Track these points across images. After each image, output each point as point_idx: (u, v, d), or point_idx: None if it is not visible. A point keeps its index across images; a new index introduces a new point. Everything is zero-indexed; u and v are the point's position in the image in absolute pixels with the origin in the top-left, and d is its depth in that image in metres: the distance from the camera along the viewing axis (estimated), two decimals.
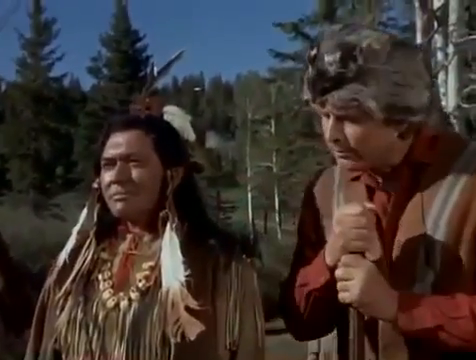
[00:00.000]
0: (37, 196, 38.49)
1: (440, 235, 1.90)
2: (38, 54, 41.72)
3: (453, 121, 11.10)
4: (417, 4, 10.76)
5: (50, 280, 2.16)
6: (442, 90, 11.50)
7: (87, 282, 2.08)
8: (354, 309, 1.91)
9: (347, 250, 1.89)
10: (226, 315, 2.00)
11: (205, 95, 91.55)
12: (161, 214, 2.03)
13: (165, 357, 1.94)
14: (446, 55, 11.42)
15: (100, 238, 2.13)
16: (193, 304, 1.92)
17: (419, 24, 10.94)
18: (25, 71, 41.89)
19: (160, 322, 1.95)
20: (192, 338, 1.90)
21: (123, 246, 2.11)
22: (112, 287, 2.04)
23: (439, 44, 11.70)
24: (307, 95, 1.93)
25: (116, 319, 1.99)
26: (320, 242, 2.07)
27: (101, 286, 2.06)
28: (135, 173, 2.03)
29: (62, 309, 2.07)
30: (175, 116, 2.17)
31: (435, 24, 10.92)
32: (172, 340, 1.92)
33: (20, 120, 40.01)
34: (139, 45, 45.71)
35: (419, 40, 10.87)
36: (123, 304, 2.00)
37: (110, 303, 2.02)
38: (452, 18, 11.08)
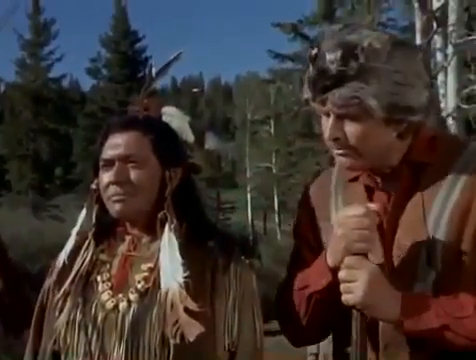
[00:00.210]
0: (36, 197, 38.51)
1: (441, 234, 1.90)
2: (37, 55, 41.73)
3: (451, 122, 11.10)
4: (416, 5, 10.77)
5: (49, 281, 2.16)
6: (441, 91, 11.52)
7: (86, 283, 2.07)
8: (357, 311, 1.90)
9: (350, 252, 1.88)
10: (225, 316, 2.00)
11: (204, 96, 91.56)
12: (159, 215, 2.03)
13: (164, 358, 1.94)
14: (445, 56, 11.43)
15: (99, 239, 2.12)
16: (192, 305, 1.92)
17: (418, 25, 10.95)
18: (24, 72, 41.89)
19: (159, 323, 1.95)
20: (191, 339, 1.90)
21: (122, 247, 2.11)
22: (111, 288, 2.04)
23: (438, 45, 11.71)
24: (307, 94, 1.93)
25: (115, 320, 1.99)
26: (317, 244, 2.08)
27: (100, 287, 2.05)
28: (133, 174, 2.02)
29: (61, 310, 2.07)
30: (173, 117, 2.17)
31: (434, 25, 10.93)
32: (171, 341, 1.92)
33: (19, 121, 40.01)
34: (138, 46, 45.76)
35: (418, 41, 10.87)
36: (122, 305, 2.00)
37: (109, 304, 2.01)
38: (451, 19, 11.10)
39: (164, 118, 2.16)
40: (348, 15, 13.93)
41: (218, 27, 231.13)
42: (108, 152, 2.06)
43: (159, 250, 2.02)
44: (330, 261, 1.93)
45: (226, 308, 2.00)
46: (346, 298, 1.88)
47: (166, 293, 1.96)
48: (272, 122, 41.76)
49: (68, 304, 2.06)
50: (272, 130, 42.16)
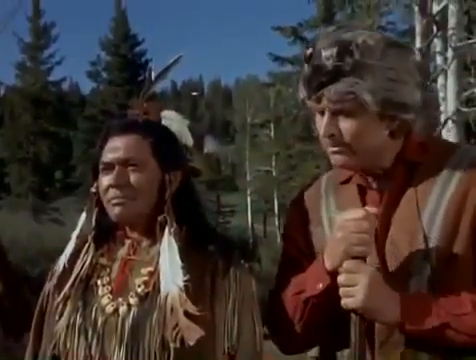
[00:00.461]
0: (36, 200, 38.49)
1: (436, 229, 1.92)
2: (37, 58, 41.72)
3: (451, 125, 11.11)
4: (416, 8, 10.78)
5: (49, 285, 2.15)
6: (441, 94, 11.52)
7: (86, 287, 2.07)
8: (356, 315, 1.91)
9: (349, 255, 1.89)
10: (225, 320, 2.00)
11: (204, 99, 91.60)
12: (159, 219, 2.03)
13: None
14: (445, 59, 11.44)
15: (99, 243, 2.12)
16: (192, 309, 1.92)
17: (418, 28, 10.96)
18: (24, 75, 41.89)
19: (159, 327, 1.95)
20: (191, 343, 1.90)
21: (122, 251, 2.10)
22: (111, 292, 2.04)
23: (438, 48, 11.72)
24: (302, 93, 1.96)
25: (115, 324, 1.99)
26: (308, 247, 2.09)
27: (100, 291, 2.05)
28: (133, 177, 2.02)
29: (61, 314, 2.07)
30: (173, 121, 2.17)
31: (434, 28, 10.95)
32: (171, 345, 1.92)
33: (19, 124, 39.99)
34: (138, 49, 45.77)
35: (418, 44, 10.89)
36: (122, 309, 2.00)
37: (109, 308, 2.01)
38: (451, 22, 11.10)
39: (163, 122, 2.16)
40: (348, 19, 13.91)
41: (218, 30, 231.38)
42: (108, 155, 2.06)
43: (159, 254, 2.02)
44: (328, 265, 1.93)
45: (226, 312, 2.00)
46: (346, 302, 1.88)
47: (166, 297, 1.96)
48: (272, 125, 41.73)
49: (68, 308, 2.06)
50: (272, 133, 42.14)
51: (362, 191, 2.04)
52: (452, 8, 11.04)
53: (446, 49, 11.45)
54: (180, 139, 2.15)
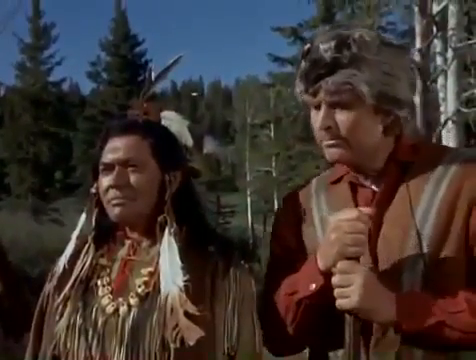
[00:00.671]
0: (36, 201, 38.45)
1: (429, 227, 1.93)
2: (37, 58, 41.68)
3: (451, 125, 11.11)
4: (416, 9, 10.77)
5: (49, 286, 2.16)
6: (441, 95, 11.52)
7: (86, 288, 2.08)
8: (350, 315, 1.91)
9: (343, 256, 1.89)
10: (224, 320, 2.00)
11: (204, 99, 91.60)
12: (159, 219, 2.03)
13: None
14: (445, 60, 11.44)
15: (99, 243, 2.12)
16: (192, 309, 1.92)
17: (418, 29, 10.95)
18: (24, 75, 41.85)
19: (159, 327, 1.95)
20: (191, 343, 1.90)
21: (122, 252, 2.11)
22: (111, 293, 2.04)
23: (438, 49, 11.73)
24: (299, 87, 1.99)
25: (115, 325, 1.99)
26: (299, 247, 2.09)
27: (100, 292, 2.06)
28: (133, 178, 2.03)
29: (61, 315, 2.07)
30: (173, 121, 2.17)
31: (434, 29, 10.94)
32: (171, 345, 1.92)
33: (19, 124, 39.94)
34: (138, 49, 45.70)
35: (418, 45, 10.88)
36: (122, 310, 2.00)
37: (109, 309, 2.02)
38: (451, 23, 11.10)
39: (163, 122, 2.16)
40: (348, 19, 13.90)
41: (218, 31, 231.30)
42: (108, 156, 2.06)
43: (159, 254, 2.02)
44: (321, 265, 1.94)
45: (226, 312, 2.00)
46: (341, 303, 1.89)
47: (166, 297, 1.96)
48: (272, 126, 41.68)
49: (68, 308, 2.06)
50: (272, 134, 42.08)
51: (354, 189, 2.06)
52: (452, 8, 11.04)
53: (446, 49, 11.45)
54: (180, 139, 2.15)
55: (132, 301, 2.01)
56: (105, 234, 2.14)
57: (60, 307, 2.08)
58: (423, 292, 1.91)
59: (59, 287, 2.11)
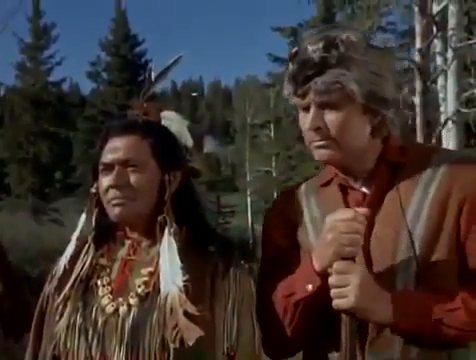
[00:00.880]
0: (36, 201, 38.42)
1: (421, 227, 1.94)
2: (37, 58, 41.65)
3: (451, 126, 11.11)
4: (416, 9, 10.78)
5: (49, 286, 2.16)
6: (441, 95, 11.53)
7: (86, 288, 2.08)
8: (347, 315, 1.92)
9: (339, 256, 1.90)
10: (224, 320, 2.00)
11: (204, 99, 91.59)
12: (159, 219, 2.03)
13: None
14: (445, 60, 11.45)
15: (98, 243, 2.12)
16: (191, 309, 1.92)
17: (418, 29, 10.96)
18: (24, 75, 41.82)
19: (159, 327, 1.95)
20: (190, 343, 1.90)
21: (122, 252, 2.11)
22: (111, 293, 2.05)
23: (438, 49, 11.73)
24: (288, 89, 2.00)
25: (115, 324, 2.00)
26: (290, 249, 2.09)
27: (100, 292, 2.06)
28: (133, 178, 2.03)
29: (61, 315, 2.07)
30: (173, 121, 2.17)
31: (434, 29, 10.95)
32: (171, 345, 1.92)
33: (19, 124, 39.90)
34: (138, 49, 45.68)
35: (418, 45, 10.90)
36: (122, 310, 2.00)
37: (109, 308, 2.02)
38: (451, 23, 11.11)
39: (163, 122, 2.16)
40: (348, 19, 13.89)
41: (218, 31, 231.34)
42: (108, 156, 2.06)
43: (159, 254, 2.02)
44: (317, 265, 1.94)
45: (225, 312, 2.00)
46: (338, 303, 1.90)
47: (166, 297, 1.96)
48: (272, 126, 41.67)
49: (68, 308, 2.06)
50: (272, 134, 42.06)
51: (344, 192, 2.06)
52: (452, 8, 11.05)
53: (446, 50, 11.46)
54: (180, 139, 2.15)
55: (132, 301, 2.01)
56: (105, 234, 2.14)
57: (60, 307, 2.08)
58: (418, 291, 1.92)
59: (59, 287, 2.11)
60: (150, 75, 2.21)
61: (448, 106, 11.22)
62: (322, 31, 1.97)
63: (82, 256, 2.11)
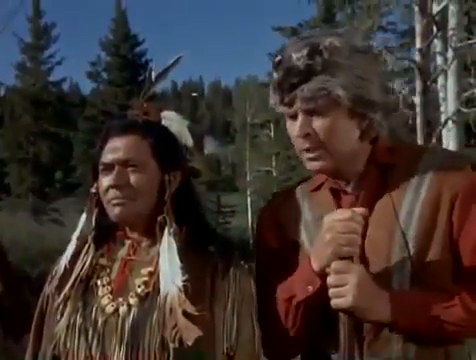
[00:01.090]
0: (36, 200, 38.42)
1: (414, 228, 1.95)
2: (37, 58, 41.65)
3: (451, 125, 11.11)
4: (416, 9, 10.78)
5: (49, 286, 2.16)
6: (441, 95, 11.53)
7: (86, 288, 2.08)
8: (345, 314, 1.93)
9: (338, 256, 1.91)
10: (224, 320, 2.00)
11: (204, 99, 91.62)
12: (159, 219, 2.03)
13: None
14: (445, 59, 11.45)
15: (98, 243, 2.12)
16: (191, 309, 1.92)
17: (418, 29, 10.97)
18: (24, 75, 41.83)
19: (159, 327, 1.95)
20: (189, 343, 1.90)
21: (122, 252, 2.11)
22: (111, 293, 2.05)
23: (438, 48, 11.73)
24: (274, 99, 2.01)
25: (115, 324, 2.00)
26: (286, 251, 2.09)
27: (100, 292, 2.06)
28: (133, 178, 2.03)
29: (61, 315, 2.07)
30: (173, 121, 2.17)
31: (434, 28, 10.95)
32: (170, 345, 1.92)
33: (19, 124, 39.90)
34: (138, 49, 45.67)
35: (418, 44, 10.90)
36: (122, 309, 2.00)
37: (109, 308, 2.02)
38: (451, 23, 11.11)
39: (163, 122, 2.16)
40: (348, 19, 13.89)
41: (218, 31, 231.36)
42: (108, 156, 2.06)
43: (159, 254, 2.02)
44: (316, 266, 1.95)
45: (225, 312, 2.01)
46: (336, 302, 1.90)
47: (165, 297, 1.96)
48: (272, 126, 41.68)
49: (68, 308, 2.06)
50: (272, 134, 42.08)
51: (336, 196, 2.07)
52: (452, 8, 11.05)
53: (446, 49, 11.46)
54: (180, 140, 2.15)
55: (132, 301, 2.01)
56: (105, 234, 2.14)
57: (60, 307, 2.08)
58: (415, 289, 1.93)
59: (59, 287, 2.11)
60: (150, 75, 2.21)
61: (448, 106, 11.22)
62: (305, 38, 1.97)
63: (82, 256, 2.11)
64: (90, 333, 2.00)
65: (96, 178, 2.09)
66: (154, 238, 2.05)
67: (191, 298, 1.94)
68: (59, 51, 42.66)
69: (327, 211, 1.98)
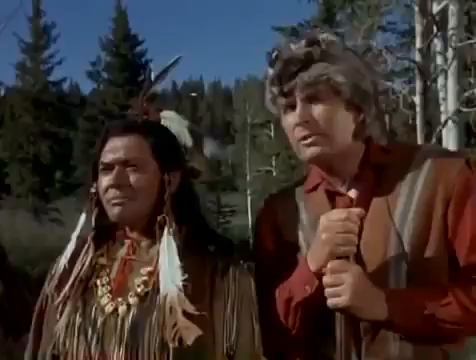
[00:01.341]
0: (36, 200, 38.48)
1: (409, 227, 1.96)
2: (37, 58, 41.66)
3: (451, 125, 11.11)
4: (416, 8, 10.79)
5: (49, 286, 2.15)
6: (441, 94, 11.53)
7: (85, 287, 2.08)
8: (342, 314, 1.94)
9: (334, 256, 1.92)
10: (223, 320, 2.00)
11: (204, 99, 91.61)
12: (159, 219, 2.03)
13: None
14: (445, 59, 11.45)
15: (98, 243, 2.12)
16: (190, 309, 1.92)
17: (419, 28, 10.97)
18: (25, 75, 41.85)
19: (158, 327, 1.95)
20: (189, 343, 1.90)
21: (121, 251, 2.11)
22: (110, 292, 2.05)
23: (438, 48, 11.74)
24: (272, 93, 2.04)
25: (115, 324, 2.00)
26: (283, 252, 2.10)
27: (99, 291, 2.06)
28: (133, 178, 2.03)
29: (61, 314, 2.07)
30: (172, 121, 2.17)
31: (434, 28, 10.95)
32: (170, 345, 1.92)
33: (19, 124, 39.95)
34: (138, 49, 45.68)
35: (418, 44, 10.90)
36: (122, 309, 2.00)
37: (109, 308, 2.02)
38: (451, 22, 11.11)
39: (163, 122, 2.16)
40: (348, 19, 13.89)
41: (218, 31, 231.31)
42: (107, 156, 2.06)
43: (158, 254, 2.02)
44: (313, 266, 1.95)
45: (225, 312, 2.01)
46: (333, 302, 1.91)
47: (165, 297, 1.96)
48: (272, 126, 41.68)
49: (68, 308, 2.06)
50: (272, 134, 42.09)
51: (331, 198, 2.08)
52: (452, 8, 11.05)
53: (446, 49, 11.46)
54: (179, 139, 2.15)
55: (131, 300, 2.01)
56: (105, 234, 2.14)
57: (60, 306, 2.08)
58: (411, 288, 1.94)
59: (59, 287, 2.11)
60: (150, 75, 2.21)
61: (448, 106, 11.22)
62: (301, 36, 2.01)
63: (82, 256, 2.11)
64: (89, 333, 2.00)
65: (96, 178, 2.09)
66: (154, 238, 2.05)
67: (191, 298, 1.94)
68: (59, 51, 42.69)
69: (322, 212, 1.98)
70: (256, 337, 2.03)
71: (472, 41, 11.53)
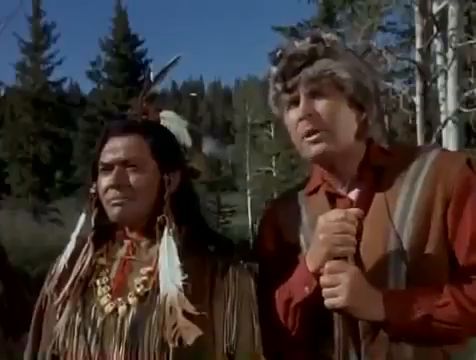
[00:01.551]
0: (36, 201, 38.47)
1: (408, 229, 1.96)
2: (37, 58, 41.65)
3: (451, 125, 11.11)
4: (416, 9, 10.79)
5: (50, 286, 2.15)
6: (441, 94, 11.53)
7: (85, 287, 2.08)
8: (340, 314, 1.94)
9: (332, 256, 1.92)
10: (223, 320, 2.00)
11: (204, 99, 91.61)
12: (158, 219, 2.03)
13: None
14: (445, 59, 11.45)
15: (98, 243, 2.12)
16: (190, 309, 1.92)
17: (418, 29, 10.97)
18: (25, 75, 41.84)
19: (158, 327, 1.95)
20: (189, 343, 1.90)
21: (121, 252, 2.11)
22: (110, 292, 2.05)
23: (438, 48, 11.73)
24: (275, 90, 2.05)
25: (114, 324, 1.99)
26: (284, 253, 2.10)
27: (99, 291, 2.06)
28: (132, 178, 2.03)
29: (60, 314, 2.07)
30: (172, 121, 2.17)
31: (434, 28, 10.95)
32: (170, 345, 1.92)
33: (19, 124, 39.94)
34: (138, 49, 45.68)
35: (418, 44, 10.90)
36: (121, 309, 2.00)
37: (108, 308, 2.02)
38: (451, 23, 11.11)
39: (162, 122, 2.16)
40: (348, 19, 13.89)
41: (218, 31, 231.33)
42: (107, 156, 2.06)
43: (158, 254, 2.02)
44: (311, 266, 1.96)
45: (225, 312, 2.00)
46: (330, 302, 1.91)
47: (165, 297, 1.96)
48: (272, 126, 41.68)
49: (67, 308, 2.06)
50: (272, 134, 42.08)
51: (331, 200, 2.08)
52: (452, 8, 11.04)
53: (446, 49, 11.45)
54: (179, 139, 2.15)
55: (131, 301, 2.01)
56: (104, 234, 2.14)
57: (59, 306, 2.08)
58: (409, 289, 1.94)
59: (59, 287, 2.11)
60: (149, 75, 2.21)
61: (448, 106, 11.22)
62: (301, 36, 2.03)
63: (81, 256, 2.11)
64: (89, 333, 2.00)
65: (95, 178, 2.09)
66: (153, 238, 2.05)
67: (191, 298, 1.94)
68: (59, 51, 42.67)
69: (322, 214, 1.98)
70: (256, 337, 2.03)
71: (472, 41, 11.53)
